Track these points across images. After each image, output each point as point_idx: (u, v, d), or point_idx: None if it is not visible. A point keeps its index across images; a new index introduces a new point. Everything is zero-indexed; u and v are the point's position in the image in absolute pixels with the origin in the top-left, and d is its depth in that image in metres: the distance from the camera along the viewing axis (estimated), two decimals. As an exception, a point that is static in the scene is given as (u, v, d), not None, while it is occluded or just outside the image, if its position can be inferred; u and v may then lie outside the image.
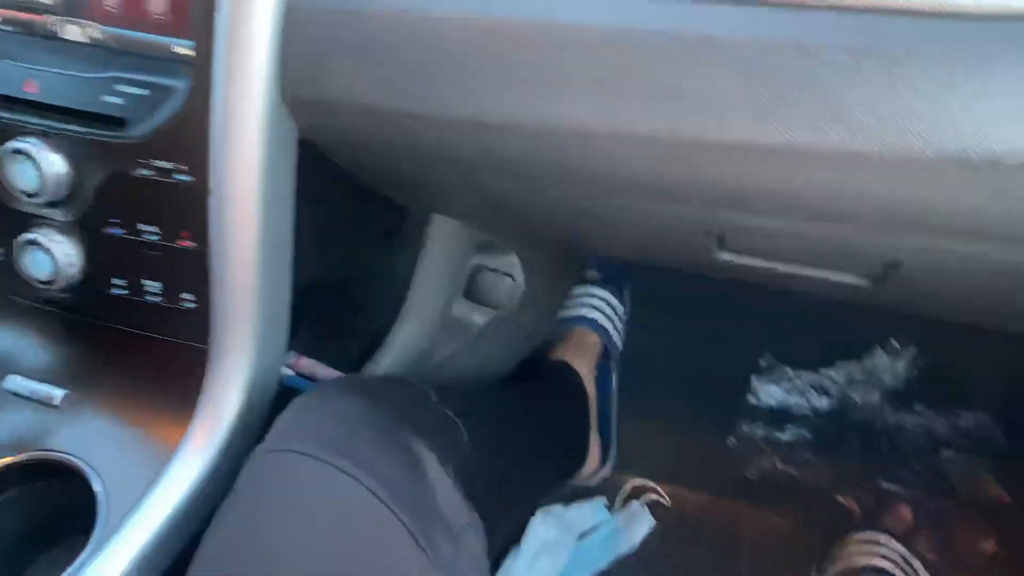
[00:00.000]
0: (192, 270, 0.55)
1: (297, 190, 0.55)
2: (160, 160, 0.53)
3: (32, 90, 0.53)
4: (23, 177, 0.53)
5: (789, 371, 1.05)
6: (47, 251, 0.56)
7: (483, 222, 0.76)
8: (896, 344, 1.02)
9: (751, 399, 1.05)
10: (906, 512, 0.90)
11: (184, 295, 0.57)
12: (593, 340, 1.03)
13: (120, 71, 0.52)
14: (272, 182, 0.52)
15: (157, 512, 0.51)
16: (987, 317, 0.63)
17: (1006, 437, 0.97)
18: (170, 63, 0.51)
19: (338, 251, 0.68)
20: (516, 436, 0.71)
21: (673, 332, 1.10)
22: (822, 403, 1.04)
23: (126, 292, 0.58)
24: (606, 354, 1.03)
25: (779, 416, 1.04)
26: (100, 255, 0.58)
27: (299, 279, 0.59)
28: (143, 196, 0.55)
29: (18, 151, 0.53)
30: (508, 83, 0.43)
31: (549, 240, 0.81)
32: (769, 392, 1.05)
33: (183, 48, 0.51)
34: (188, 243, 0.55)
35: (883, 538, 0.86)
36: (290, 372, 0.63)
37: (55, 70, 0.53)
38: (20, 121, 0.54)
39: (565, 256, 0.99)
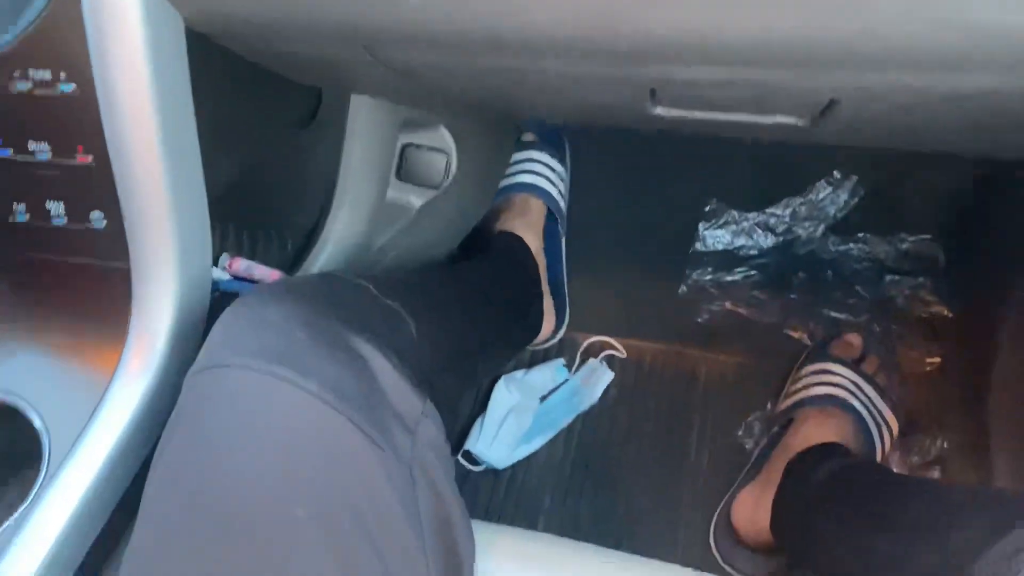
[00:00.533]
0: (95, 186, 0.52)
1: (194, 86, 0.51)
2: (37, 70, 0.49)
3: None
4: None
5: (735, 213, 1.05)
6: (-67, 184, 0.52)
7: (405, 96, 0.72)
8: (838, 175, 1.02)
9: (699, 246, 1.05)
10: (855, 339, 0.93)
11: (93, 214, 0.54)
12: (537, 205, 1.01)
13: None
14: (163, 80, 0.48)
15: (103, 440, 0.50)
16: (928, 141, 0.62)
17: (946, 256, 0.99)
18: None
19: (252, 146, 0.64)
20: (466, 314, 0.70)
21: (617, 187, 1.09)
22: (768, 241, 1.04)
23: (29, 217, 0.55)
24: (551, 217, 1.02)
25: (727, 259, 1.05)
26: (-7, 181, 0.53)
27: (215, 181, 0.55)
28: (27, 112, 0.50)
29: None
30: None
31: (474, 108, 0.77)
32: (716, 236, 1.06)
33: (34, -64, 0.45)
34: (85, 158, 0.51)
35: (834, 367, 0.88)
36: (226, 276, 0.61)
37: None
38: None
39: (498, 124, 0.95)
